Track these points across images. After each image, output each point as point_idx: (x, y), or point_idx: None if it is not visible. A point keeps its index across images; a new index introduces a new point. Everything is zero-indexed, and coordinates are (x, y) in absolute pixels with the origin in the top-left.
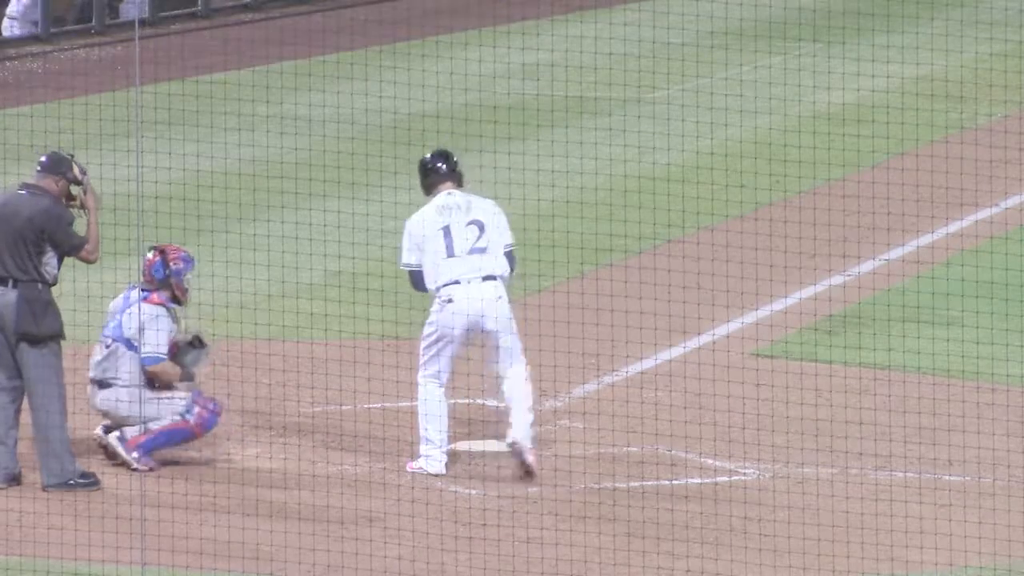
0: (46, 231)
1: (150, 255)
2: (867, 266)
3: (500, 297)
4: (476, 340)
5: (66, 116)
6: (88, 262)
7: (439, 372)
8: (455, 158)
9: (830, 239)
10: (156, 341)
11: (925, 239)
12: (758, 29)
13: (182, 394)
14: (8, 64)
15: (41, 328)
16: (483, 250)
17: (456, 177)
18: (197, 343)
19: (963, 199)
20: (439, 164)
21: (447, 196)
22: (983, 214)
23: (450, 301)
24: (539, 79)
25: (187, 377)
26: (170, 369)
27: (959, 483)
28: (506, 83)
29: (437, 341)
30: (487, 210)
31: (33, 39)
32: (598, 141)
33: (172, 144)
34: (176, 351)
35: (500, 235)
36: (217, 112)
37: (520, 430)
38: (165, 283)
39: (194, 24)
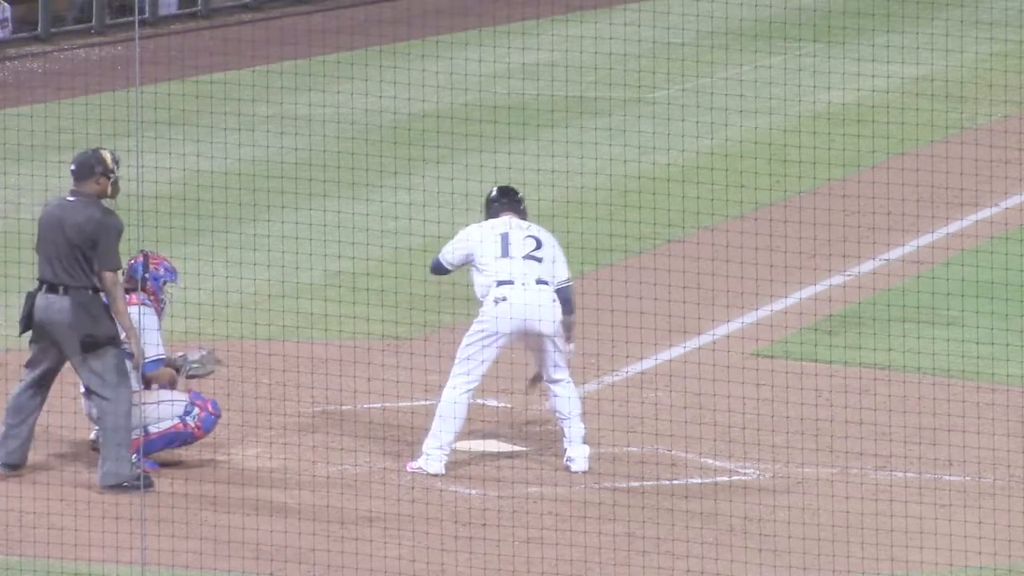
0: (93, 239)
1: (136, 258)
2: (867, 266)
3: (554, 301)
4: (520, 344)
5: (66, 116)
6: (104, 287)
7: (472, 372)
8: (519, 195)
9: (830, 239)
10: (154, 348)
11: (925, 239)
12: (758, 29)
13: (181, 396)
14: (8, 64)
15: (99, 331)
16: (539, 260)
17: (519, 212)
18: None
19: (963, 199)
20: (503, 198)
21: (508, 219)
22: (983, 214)
23: (504, 299)
24: (539, 79)
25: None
26: (167, 372)
27: (959, 483)
28: (506, 83)
29: (483, 339)
30: (547, 234)
31: (33, 39)
32: (598, 141)
33: (172, 144)
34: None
35: (556, 262)
36: (217, 112)
37: (576, 450)
38: (142, 285)
39: (194, 24)
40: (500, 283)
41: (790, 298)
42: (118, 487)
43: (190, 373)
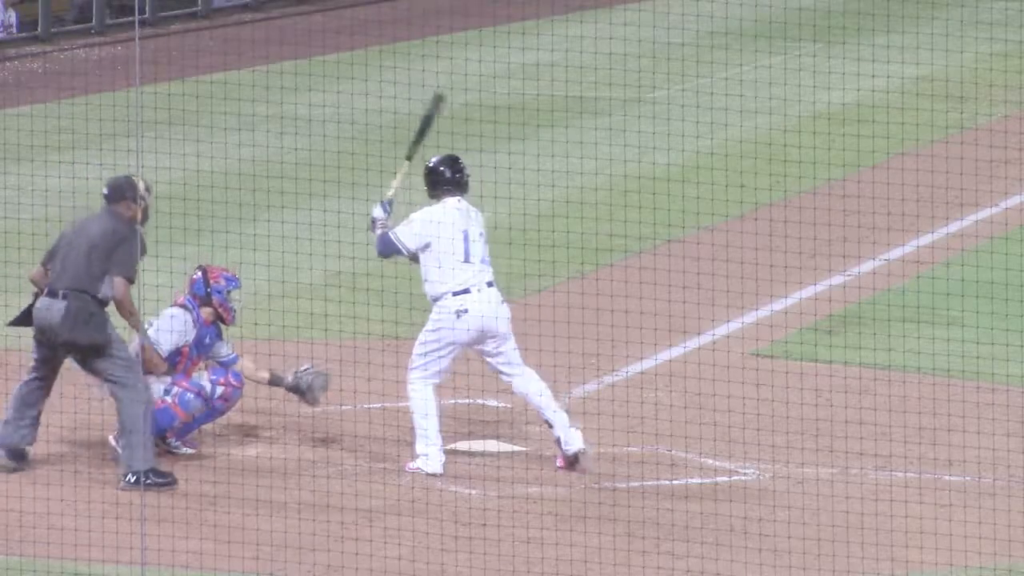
0: (113, 245)
1: (195, 274)
2: (867, 266)
3: (503, 301)
4: (477, 342)
5: (66, 116)
6: (116, 295)
7: (438, 373)
8: (462, 164)
9: (830, 239)
10: (163, 337)
11: (925, 239)
12: (758, 29)
13: (204, 376)
14: (8, 64)
15: (81, 336)
16: (488, 261)
17: (465, 188)
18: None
19: (963, 199)
20: (454, 180)
21: (458, 202)
22: (983, 214)
23: (465, 311)
24: (539, 79)
25: (312, 401)
26: (156, 358)
27: (959, 483)
28: (506, 83)
29: (440, 347)
30: (483, 224)
31: (33, 39)
32: (598, 141)
33: (172, 144)
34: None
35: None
36: (217, 112)
37: (568, 434)
38: (207, 300)
39: (194, 24)
40: (457, 293)
41: (790, 298)
42: (136, 484)
43: (301, 382)
